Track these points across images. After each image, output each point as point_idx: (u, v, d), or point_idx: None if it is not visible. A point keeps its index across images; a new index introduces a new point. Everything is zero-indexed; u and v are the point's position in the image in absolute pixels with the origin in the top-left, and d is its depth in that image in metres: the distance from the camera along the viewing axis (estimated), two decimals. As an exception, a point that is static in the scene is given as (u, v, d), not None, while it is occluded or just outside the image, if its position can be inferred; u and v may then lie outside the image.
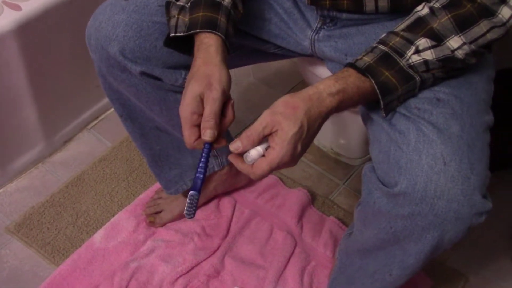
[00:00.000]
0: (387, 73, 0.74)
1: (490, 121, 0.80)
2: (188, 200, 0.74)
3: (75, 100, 1.39)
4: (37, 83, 1.26)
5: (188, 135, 0.73)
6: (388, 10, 0.84)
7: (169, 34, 0.80)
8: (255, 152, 0.72)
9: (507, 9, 0.72)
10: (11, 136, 1.28)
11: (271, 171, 0.71)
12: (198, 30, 0.77)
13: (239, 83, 1.59)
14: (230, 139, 1.10)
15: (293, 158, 0.71)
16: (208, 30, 0.77)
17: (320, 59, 0.97)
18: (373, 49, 0.76)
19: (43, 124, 1.33)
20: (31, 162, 1.35)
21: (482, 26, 0.73)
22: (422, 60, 0.74)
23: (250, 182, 1.30)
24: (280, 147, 0.70)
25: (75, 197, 1.29)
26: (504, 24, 0.73)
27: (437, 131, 0.74)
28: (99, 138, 1.44)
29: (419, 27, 0.75)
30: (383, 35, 0.77)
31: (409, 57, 0.74)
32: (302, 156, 0.74)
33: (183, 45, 0.81)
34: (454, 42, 0.74)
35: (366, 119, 0.86)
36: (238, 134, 0.74)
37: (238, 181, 1.27)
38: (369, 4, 0.83)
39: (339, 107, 0.74)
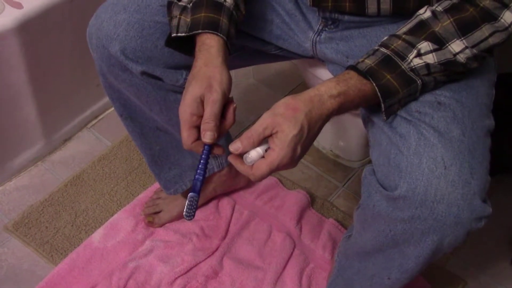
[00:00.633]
0: (388, 76, 0.74)
1: (491, 125, 0.80)
2: (187, 202, 0.74)
3: (75, 99, 1.39)
4: (37, 81, 1.25)
5: (187, 136, 0.73)
6: (390, 13, 0.84)
7: (170, 34, 0.80)
8: (255, 153, 0.71)
9: (510, 14, 0.72)
10: (11, 134, 1.28)
11: (271, 172, 0.71)
12: (199, 31, 0.77)
13: (239, 84, 1.59)
14: (230, 141, 1.10)
15: (292, 160, 0.71)
16: (210, 31, 0.76)
17: (321, 61, 0.97)
18: (374, 52, 0.76)
19: (43, 122, 1.33)
20: (31, 160, 1.35)
21: (484, 31, 0.73)
22: (423, 64, 0.74)
23: (249, 183, 1.30)
24: (280, 149, 0.70)
25: (74, 196, 1.29)
26: (506, 28, 0.73)
27: (438, 135, 0.74)
28: (99, 137, 1.44)
29: (421, 30, 0.75)
30: (385, 38, 0.77)
31: (411, 61, 0.74)
32: (302, 158, 0.73)
33: (185, 46, 0.81)
34: (456, 46, 0.73)
35: (367, 122, 0.86)
36: (238, 136, 0.74)
37: (237, 182, 1.27)
38: (371, 7, 0.83)
39: (340, 110, 0.74)
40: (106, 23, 0.88)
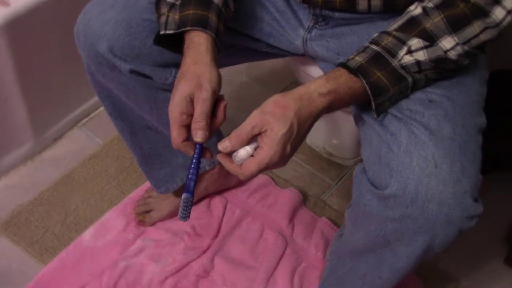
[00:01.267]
0: (379, 74, 0.73)
1: (483, 123, 0.80)
2: (182, 203, 0.73)
3: (65, 97, 1.38)
4: (27, 79, 1.24)
5: (176, 135, 0.72)
6: (381, 10, 0.83)
7: (159, 32, 0.79)
8: (244, 152, 0.71)
9: (501, 10, 0.71)
10: (0, 132, 1.26)
11: (260, 171, 0.70)
12: (188, 28, 0.76)
13: (231, 82, 1.58)
14: (221, 139, 1.09)
15: (282, 159, 0.70)
16: (199, 28, 0.76)
17: (312, 58, 0.96)
18: (365, 49, 0.75)
19: (33, 121, 1.32)
20: (20, 159, 1.34)
21: (475, 27, 0.72)
22: (414, 61, 0.73)
23: (241, 182, 1.29)
24: (269, 147, 0.69)
25: (64, 195, 1.28)
26: (497, 25, 0.72)
27: (428, 133, 0.73)
28: (90, 135, 1.42)
29: (412, 27, 0.74)
30: (376, 35, 0.76)
31: (402, 58, 0.73)
32: (292, 157, 0.73)
33: (173, 43, 0.80)
34: (447, 42, 0.73)
35: (358, 120, 0.85)
36: (229, 133, 0.73)
37: (229, 181, 1.26)
38: (362, 3, 0.82)
39: (330, 108, 0.73)
40: (94, 21, 0.87)
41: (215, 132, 0.75)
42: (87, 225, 1.22)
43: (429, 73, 0.75)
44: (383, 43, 0.74)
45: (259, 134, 0.70)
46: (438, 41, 0.73)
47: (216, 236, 1.21)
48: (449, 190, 0.71)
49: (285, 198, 1.27)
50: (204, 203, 1.26)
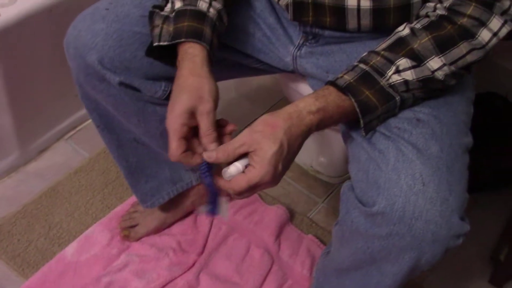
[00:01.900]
0: (367, 92, 0.73)
1: (469, 143, 0.81)
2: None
3: (52, 109, 1.37)
4: (13, 90, 1.23)
5: (177, 147, 0.72)
6: (370, 29, 0.84)
7: (151, 43, 0.79)
8: (234, 168, 0.71)
9: (487, 32, 0.73)
10: (-16, 144, 1.25)
11: (250, 189, 0.70)
12: (183, 40, 0.76)
13: (220, 98, 1.57)
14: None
15: (274, 178, 0.70)
16: (193, 40, 0.76)
17: (301, 75, 0.97)
18: (353, 67, 0.76)
19: (18, 132, 1.30)
20: (4, 171, 1.32)
21: (462, 48, 0.73)
22: (402, 80, 0.74)
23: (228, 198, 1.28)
24: (260, 166, 0.69)
25: (48, 209, 1.26)
26: (483, 46, 0.74)
27: (416, 151, 0.74)
28: (76, 148, 1.41)
29: (400, 47, 0.75)
30: (364, 54, 0.77)
31: (390, 77, 0.74)
32: (283, 176, 0.73)
33: (165, 56, 0.80)
34: (434, 63, 0.74)
35: (346, 138, 0.85)
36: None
37: (216, 197, 1.25)
38: (352, 22, 0.83)
39: (319, 126, 0.73)
40: (84, 32, 0.87)
41: None
42: (71, 239, 1.21)
43: (416, 93, 0.76)
44: (371, 62, 0.75)
45: (248, 153, 0.70)
46: (426, 61, 0.74)
47: (201, 252, 1.20)
48: (436, 209, 0.71)
49: (272, 215, 1.26)
50: (190, 219, 1.25)
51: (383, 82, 0.74)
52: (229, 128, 0.75)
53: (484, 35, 0.73)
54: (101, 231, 1.21)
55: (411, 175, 0.72)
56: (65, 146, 1.41)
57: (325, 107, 0.73)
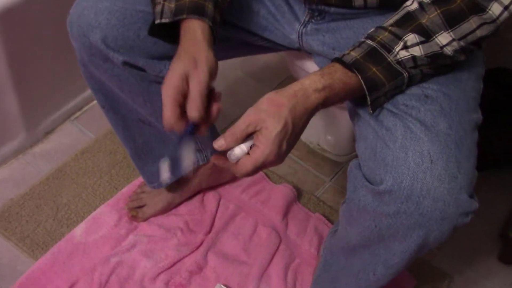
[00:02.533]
0: (374, 69, 0.72)
1: (479, 120, 0.79)
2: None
3: (58, 90, 1.36)
4: (18, 72, 1.22)
5: (170, 115, 0.70)
6: (377, 5, 0.82)
7: (153, 22, 0.78)
8: (239, 150, 0.70)
9: (498, 6, 0.71)
10: (-9, 126, 1.25)
11: (256, 169, 0.70)
12: (184, 16, 0.75)
13: (226, 77, 1.57)
14: (216, 135, 1.08)
15: (279, 157, 0.70)
16: (195, 16, 0.74)
17: (307, 53, 0.96)
18: (360, 44, 0.74)
19: (25, 114, 1.30)
20: (11, 153, 1.32)
21: (472, 23, 0.72)
22: (410, 56, 0.73)
23: (235, 177, 1.28)
24: (264, 146, 0.68)
25: (55, 190, 1.27)
26: (494, 20, 0.72)
27: (424, 128, 0.73)
28: (82, 130, 1.41)
29: (408, 22, 0.73)
30: (371, 30, 0.75)
31: (397, 53, 0.73)
32: (288, 154, 0.72)
33: (168, 34, 0.79)
34: (443, 38, 0.72)
35: (353, 115, 0.84)
36: (224, 129, 0.72)
37: (223, 176, 1.25)
38: (358, -1, 0.82)
39: (325, 103, 0.72)
40: (87, 11, 0.86)
41: (211, 130, 0.74)
42: (79, 220, 1.21)
43: (424, 69, 0.75)
44: (378, 38, 0.74)
45: (254, 132, 0.69)
46: (434, 36, 0.72)
47: (209, 232, 1.21)
48: (444, 186, 0.70)
49: (279, 194, 1.26)
50: (197, 199, 1.25)
51: (390, 58, 0.73)
52: (214, 107, 0.72)
53: (495, 8, 0.71)
54: (109, 212, 1.22)
55: (419, 153, 0.71)
56: (71, 127, 1.41)
57: (331, 85, 0.72)
